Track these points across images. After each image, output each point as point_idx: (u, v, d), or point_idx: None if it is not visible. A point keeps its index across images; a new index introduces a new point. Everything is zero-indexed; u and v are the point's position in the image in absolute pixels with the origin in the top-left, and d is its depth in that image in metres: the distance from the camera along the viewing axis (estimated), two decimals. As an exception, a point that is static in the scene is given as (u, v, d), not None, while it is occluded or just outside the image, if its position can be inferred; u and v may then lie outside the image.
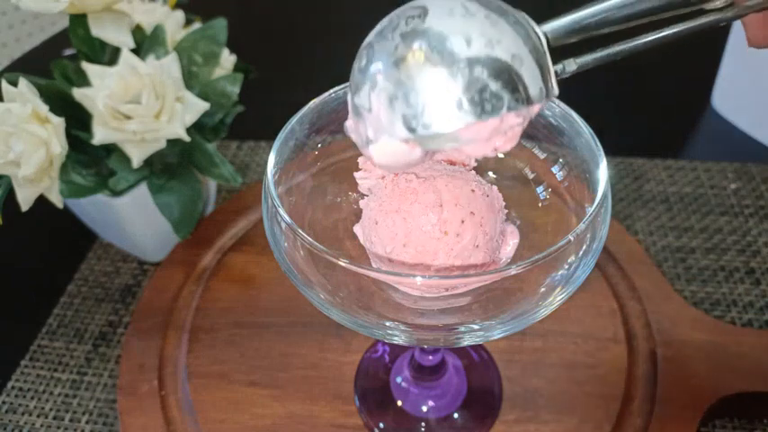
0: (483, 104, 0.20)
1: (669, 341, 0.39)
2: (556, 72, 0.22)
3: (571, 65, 0.22)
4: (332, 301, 0.26)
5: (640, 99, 0.67)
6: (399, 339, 0.26)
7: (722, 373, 0.37)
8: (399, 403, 0.38)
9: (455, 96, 0.20)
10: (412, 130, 0.21)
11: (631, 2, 0.21)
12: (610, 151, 0.61)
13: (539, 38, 0.21)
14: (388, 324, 0.26)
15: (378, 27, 0.21)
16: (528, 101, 0.20)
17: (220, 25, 0.44)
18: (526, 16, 0.21)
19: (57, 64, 0.42)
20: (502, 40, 0.20)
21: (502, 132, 0.21)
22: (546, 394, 0.37)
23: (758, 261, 0.48)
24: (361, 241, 0.28)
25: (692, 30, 0.21)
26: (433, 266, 0.25)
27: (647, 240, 0.50)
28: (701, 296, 0.45)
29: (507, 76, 0.20)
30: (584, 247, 0.25)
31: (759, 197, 0.53)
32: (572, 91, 0.71)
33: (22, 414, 0.40)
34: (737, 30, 0.58)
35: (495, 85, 0.20)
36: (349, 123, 0.23)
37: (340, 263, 0.22)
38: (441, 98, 0.20)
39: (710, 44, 0.63)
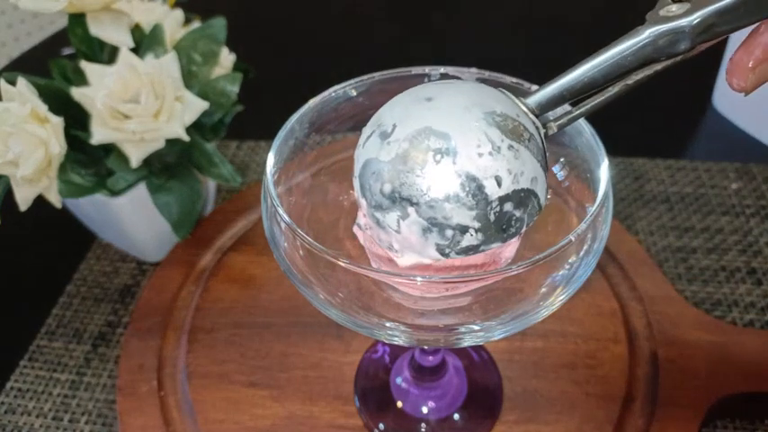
0: (509, 230, 0.22)
1: (670, 341, 0.39)
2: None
3: (552, 128, 0.24)
4: (331, 301, 0.26)
5: (640, 99, 0.67)
6: (399, 340, 0.26)
7: (724, 374, 0.37)
8: (399, 404, 0.38)
9: (488, 231, 0.22)
10: (445, 255, 0.22)
11: (608, 63, 0.22)
12: (610, 151, 0.60)
13: (539, 134, 0.23)
14: (388, 324, 0.26)
15: (394, 146, 0.21)
16: (540, 209, 0.22)
17: (220, 24, 0.44)
18: (525, 110, 0.23)
19: (55, 63, 0.42)
20: (524, 170, 0.21)
21: (518, 238, 0.24)
22: (546, 395, 0.37)
23: (759, 261, 0.47)
24: (361, 242, 0.28)
25: (652, 76, 0.22)
26: (433, 266, 0.25)
27: (648, 240, 0.50)
28: (702, 296, 0.45)
29: (528, 200, 0.22)
30: (585, 248, 0.25)
31: (760, 197, 0.53)
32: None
33: (21, 415, 0.40)
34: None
35: (519, 212, 0.22)
36: (363, 222, 0.24)
37: (340, 263, 0.22)
38: (475, 233, 0.22)
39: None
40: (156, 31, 0.43)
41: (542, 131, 0.23)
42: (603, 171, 0.26)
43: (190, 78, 0.44)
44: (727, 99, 0.62)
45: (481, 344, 0.27)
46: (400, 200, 0.21)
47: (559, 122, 0.24)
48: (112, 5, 0.39)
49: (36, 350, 0.44)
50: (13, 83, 0.38)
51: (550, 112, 0.23)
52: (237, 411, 0.37)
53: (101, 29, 0.40)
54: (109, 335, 0.45)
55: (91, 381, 0.42)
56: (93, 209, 0.44)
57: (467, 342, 0.26)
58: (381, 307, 0.27)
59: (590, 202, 0.27)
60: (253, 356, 0.40)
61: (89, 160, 0.41)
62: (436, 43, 0.76)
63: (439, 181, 0.21)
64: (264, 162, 0.60)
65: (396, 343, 0.26)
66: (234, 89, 0.44)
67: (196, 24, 0.47)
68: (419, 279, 0.22)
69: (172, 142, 0.40)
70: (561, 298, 0.25)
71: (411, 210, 0.21)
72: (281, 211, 0.24)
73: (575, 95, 0.23)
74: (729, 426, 0.38)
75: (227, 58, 0.47)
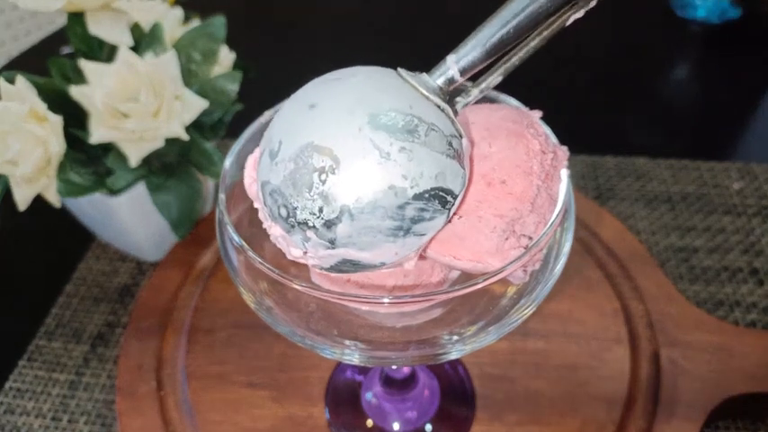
0: (421, 233, 0.21)
1: (672, 342, 0.39)
2: (456, 111, 0.22)
3: (474, 92, 0.22)
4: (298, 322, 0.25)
5: (643, 98, 0.67)
6: (356, 359, 0.25)
7: (726, 374, 0.37)
8: (370, 423, 0.37)
9: (397, 239, 0.20)
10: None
11: (527, 12, 0.20)
12: (613, 150, 0.60)
13: (446, 116, 0.21)
14: (347, 343, 0.25)
15: (281, 167, 0.20)
16: (455, 197, 0.21)
17: (219, 23, 0.44)
18: (425, 94, 0.21)
19: (54, 62, 0.42)
20: (423, 170, 0.20)
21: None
22: (548, 395, 0.37)
23: (761, 261, 0.47)
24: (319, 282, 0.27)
25: (564, 26, 0.22)
26: (432, 283, 0.25)
27: (650, 240, 0.49)
28: (704, 296, 0.45)
29: (436, 198, 0.20)
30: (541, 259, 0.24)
31: (762, 197, 0.52)
32: (575, 91, 0.71)
33: (20, 415, 0.40)
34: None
35: (428, 213, 0.20)
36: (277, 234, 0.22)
37: (295, 285, 0.22)
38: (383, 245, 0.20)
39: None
40: (156, 29, 0.42)
41: (450, 111, 0.21)
42: (564, 178, 0.24)
43: (189, 77, 0.43)
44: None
45: (461, 356, 0.26)
46: (298, 224, 0.20)
47: (481, 87, 0.22)
48: (111, 4, 0.39)
49: (35, 350, 0.44)
50: (12, 82, 0.37)
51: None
52: (237, 412, 0.37)
53: (100, 28, 0.39)
54: (108, 335, 0.45)
55: (90, 381, 0.42)
56: (92, 208, 0.44)
57: (453, 355, 0.25)
58: (365, 333, 0.27)
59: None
60: (252, 357, 0.40)
61: (88, 159, 0.41)
62: (437, 43, 0.76)
63: (329, 201, 0.20)
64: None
65: (357, 363, 0.25)
66: (233, 88, 0.44)
67: (195, 23, 0.47)
68: (385, 300, 0.22)
69: (171, 141, 0.40)
70: (527, 310, 0.25)
71: (310, 233, 0.20)
72: (230, 230, 0.24)
73: (491, 54, 0.21)
74: (731, 426, 0.38)
75: (226, 56, 0.46)
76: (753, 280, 0.46)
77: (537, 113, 0.25)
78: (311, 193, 0.20)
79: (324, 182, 0.19)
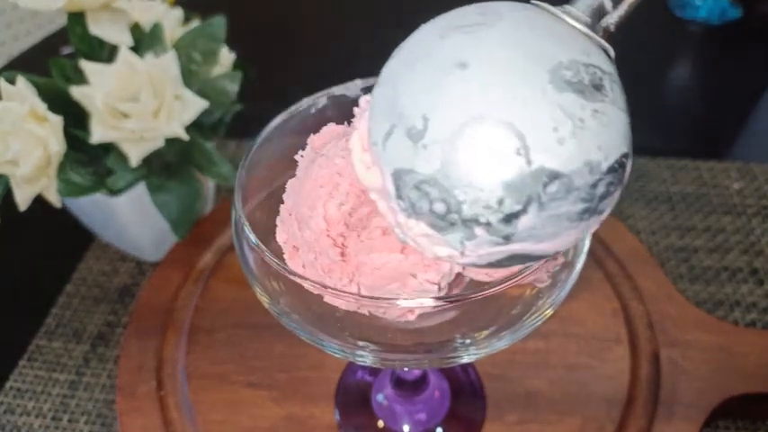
0: (604, 212, 0.18)
1: (672, 342, 0.39)
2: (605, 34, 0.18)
3: (610, 29, 0.18)
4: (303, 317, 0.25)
5: (642, 98, 0.67)
6: (368, 361, 0.25)
7: (726, 374, 0.37)
8: (381, 423, 0.37)
9: (581, 222, 0.17)
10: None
11: None
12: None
13: (610, 59, 0.18)
14: (360, 344, 0.25)
15: (435, 152, 0.16)
16: (630, 158, 0.18)
17: (219, 23, 0.44)
18: (586, 32, 0.17)
19: (55, 62, 0.42)
20: (614, 134, 0.16)
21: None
22: (548, 395, 0.37)
23: (761, 261, 0.47)
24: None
25: None
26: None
27: (650, 240, 0.49)
28: (704, 296, 0.45)
29: (622, 167, 0.17)
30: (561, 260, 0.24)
31: (762, 197, 0.52)
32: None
33: (20, 415, 0.40)
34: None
35: (613, 187, 0.17)
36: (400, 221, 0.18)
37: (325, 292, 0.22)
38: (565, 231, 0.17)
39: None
40: (156, 29, 0.42)
41: (612, 51, 0.17)
42: None
43: (189, 77, 0.43)
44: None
45: (474, 360, 0.25)
46: (462, 222, 0.16)
47: (616, 17, 0.18)
48: (112, 4, 0.39)
49: (35, 350, 0.44)
50: (12, 82, 0.37)
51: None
52: (237, 412, 0.37)
53: (100, 27, 0.39)
54: (108, 335, 0.45)
55: (90, 381, 0.42)
56: (92, 208, 0.44)
57: (462, 360, 0.25)
58: (374, 334, 0.27)
59: None
60: (252, 357, 0.40)
61: (88, 159, 0.41)
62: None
63: (512, 190, 0.15)
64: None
65: (369, 365, 0.25)
66: (233, 88, 0.44)
67: (196, 23, 0.47)
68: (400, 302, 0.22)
69: (171, 141, 0.40)
70: (546, 312, 0.25)
71: (479, 230, 0.16)
72: (247, 230, 0.24)
73: None
74: (731, 426, 0.38)
75: (226, 56, 0.46)
76: (752, 280, 0.46)
77: None
78: (484, 183, 0.15)
79: (505, 166, 0.15)
